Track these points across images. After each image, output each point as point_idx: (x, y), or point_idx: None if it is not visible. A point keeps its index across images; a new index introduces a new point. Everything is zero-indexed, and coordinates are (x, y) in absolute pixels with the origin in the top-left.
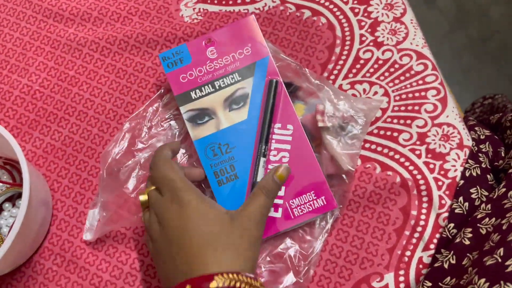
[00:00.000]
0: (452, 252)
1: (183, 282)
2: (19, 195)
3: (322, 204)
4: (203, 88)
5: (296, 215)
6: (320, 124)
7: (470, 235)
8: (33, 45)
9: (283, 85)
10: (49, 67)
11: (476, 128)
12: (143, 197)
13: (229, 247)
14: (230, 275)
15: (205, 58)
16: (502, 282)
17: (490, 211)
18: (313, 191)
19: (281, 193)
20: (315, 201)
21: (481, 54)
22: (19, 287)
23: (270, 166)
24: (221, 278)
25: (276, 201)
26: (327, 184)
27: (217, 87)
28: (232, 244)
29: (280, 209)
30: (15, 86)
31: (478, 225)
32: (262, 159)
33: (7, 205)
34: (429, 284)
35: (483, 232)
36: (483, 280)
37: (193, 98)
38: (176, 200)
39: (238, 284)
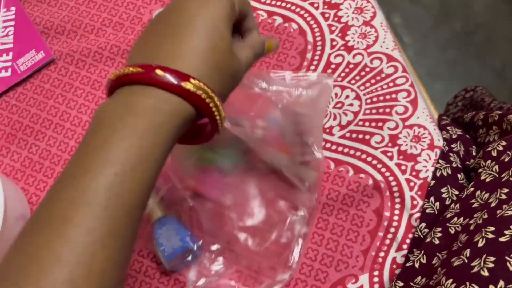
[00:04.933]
0: (422, 251)
1: (155, 65)
2: None
3: (42, 57)
4: None
5: (23, 70)
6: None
7: (439, 234)
8: None
9: None
10: (25, 81)
11: (448, 128)
12: None
13: (219, 70)
14: (207, 88)
15: None
16: (467, 283)
17: (458, 210)
18: (34, 49)
19: (9, 57)
20: (35, 56)
21: (466, 47)
22: None
23: None
24: (197, 85)
25: (6, 64)
26: (42, 39)
27: None
28: (222, 69)
29: (9, 70)
30: None
31: (447, 224)
32: None
33: None
34: (401, 284)
35: (452, 231)
36: (450, 281)
37: None
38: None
39: (209, 101)
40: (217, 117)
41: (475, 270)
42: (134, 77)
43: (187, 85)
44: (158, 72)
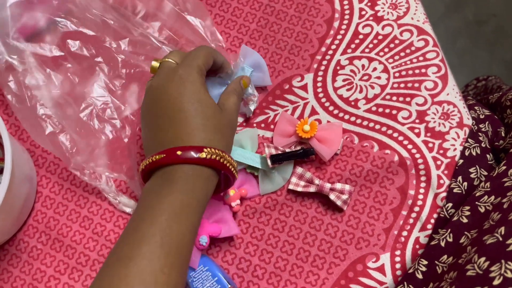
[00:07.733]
0: (449, 230)
1: (174, 148)
2: (1, 170)
3: None
4: None
5: None
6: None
7: (468, 213)
8: None
9: None
10: None
11: (476, 108)
12: (155, 63)
13: (218, 131)
14: (217, 151)
15: None
16: (503, 261)
17: (489, 189)
18: None
19: None
20: None
21: (476, 37)
22: (3, 265)
23: None
24: (209, 152)
25: None
26: None
27: None
28: (220, 129)
29: None
30: None
31: (476, 203)
32: None
33: None
34: (425, 262)
35: (482, 210)
36: (483, 258)
37: None
38: (185, 74)
39: (222, 160)
40: (231, 168)
41: (511, 248)
42: (160, 162)
43: (203, 155)
44: (178, 152)
